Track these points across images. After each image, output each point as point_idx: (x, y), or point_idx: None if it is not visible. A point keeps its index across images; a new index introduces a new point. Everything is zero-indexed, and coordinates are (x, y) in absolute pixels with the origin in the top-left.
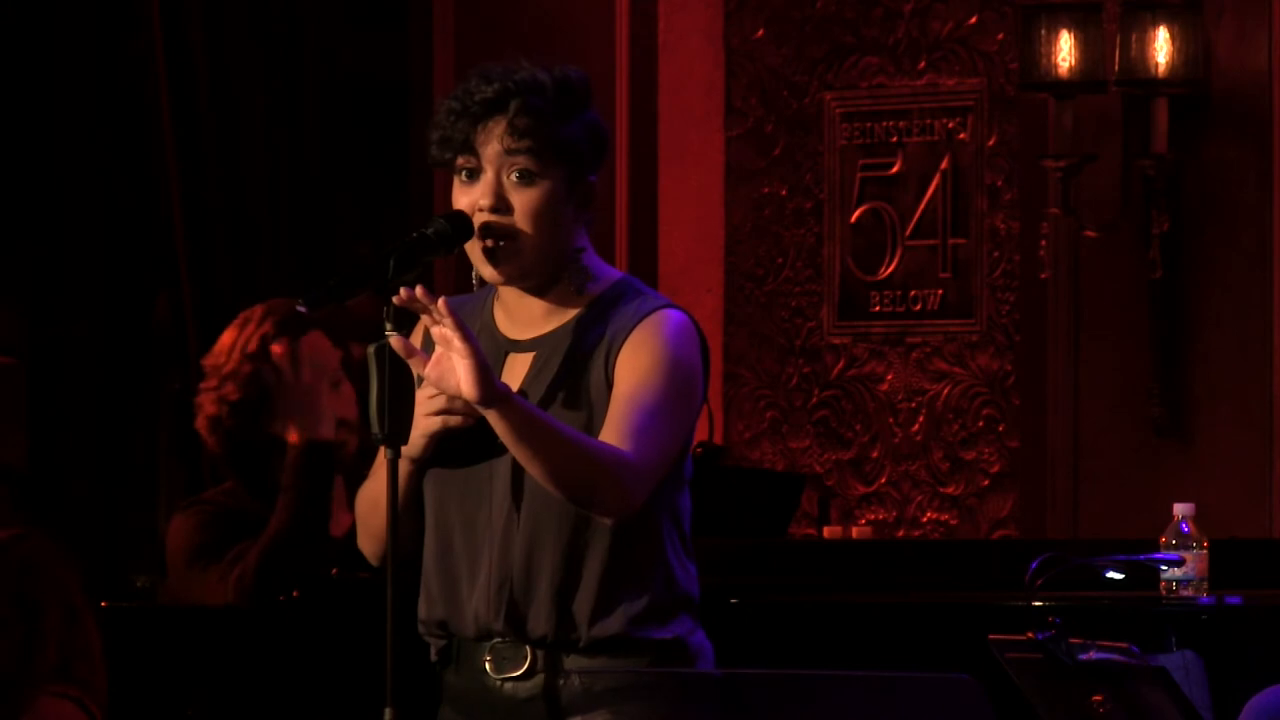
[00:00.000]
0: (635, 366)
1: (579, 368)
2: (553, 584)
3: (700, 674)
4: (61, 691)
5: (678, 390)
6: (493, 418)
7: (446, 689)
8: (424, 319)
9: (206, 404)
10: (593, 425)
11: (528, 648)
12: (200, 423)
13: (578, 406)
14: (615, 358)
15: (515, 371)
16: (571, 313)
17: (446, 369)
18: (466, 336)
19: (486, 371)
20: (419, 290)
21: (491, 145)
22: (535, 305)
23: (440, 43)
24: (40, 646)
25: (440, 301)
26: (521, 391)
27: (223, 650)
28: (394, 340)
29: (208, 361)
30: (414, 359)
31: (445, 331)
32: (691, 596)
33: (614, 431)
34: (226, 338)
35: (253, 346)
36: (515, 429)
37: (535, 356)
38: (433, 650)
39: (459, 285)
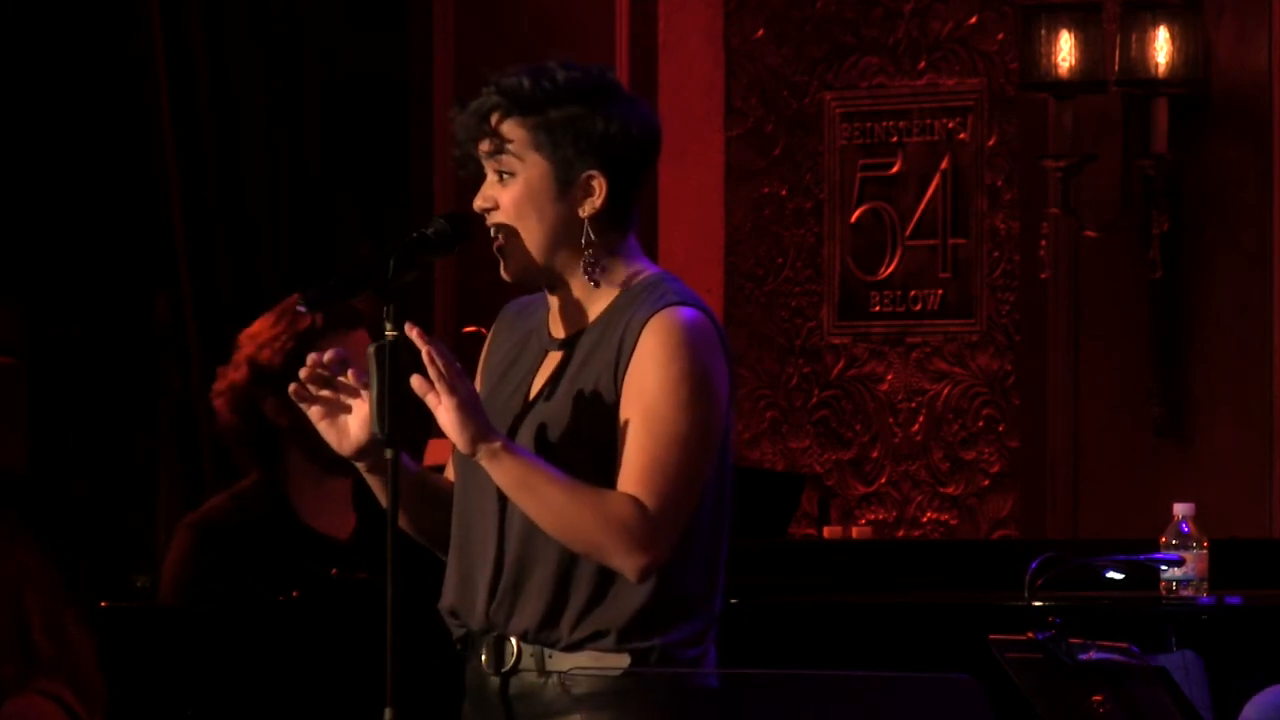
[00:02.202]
0: (644, 389)
1: (592, 370)
2: (539, 581)
3: (695, 680)
4: (42, 688)
5: (694, 405)
6: (486, 467)
7: (465, 679)
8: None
9: (234, 373)
10: (598, 436)
11: (514, 642)
12: (226, 393)
13: (585, 413)
14: (624, 368)
15: (547, 369)
16: (598, 309)
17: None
18: (451, 387)
19: (467, 424)
20: (414, 332)
21: (480, 150)
22: (564, 303)
23: (440, 43)
24: (29, 635)
25: (426, 348)
26: (544, 389)
27: (223, 650)
28: (412, 331)
29: (250, 333)
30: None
31: (432, 376)
32: (698, 608)
33: (630, 477)
34: (271, 318)
35: (303, 325)
36: (507, 485)
37: (562, 355)
38: (454, 637)
39: (459, 285)
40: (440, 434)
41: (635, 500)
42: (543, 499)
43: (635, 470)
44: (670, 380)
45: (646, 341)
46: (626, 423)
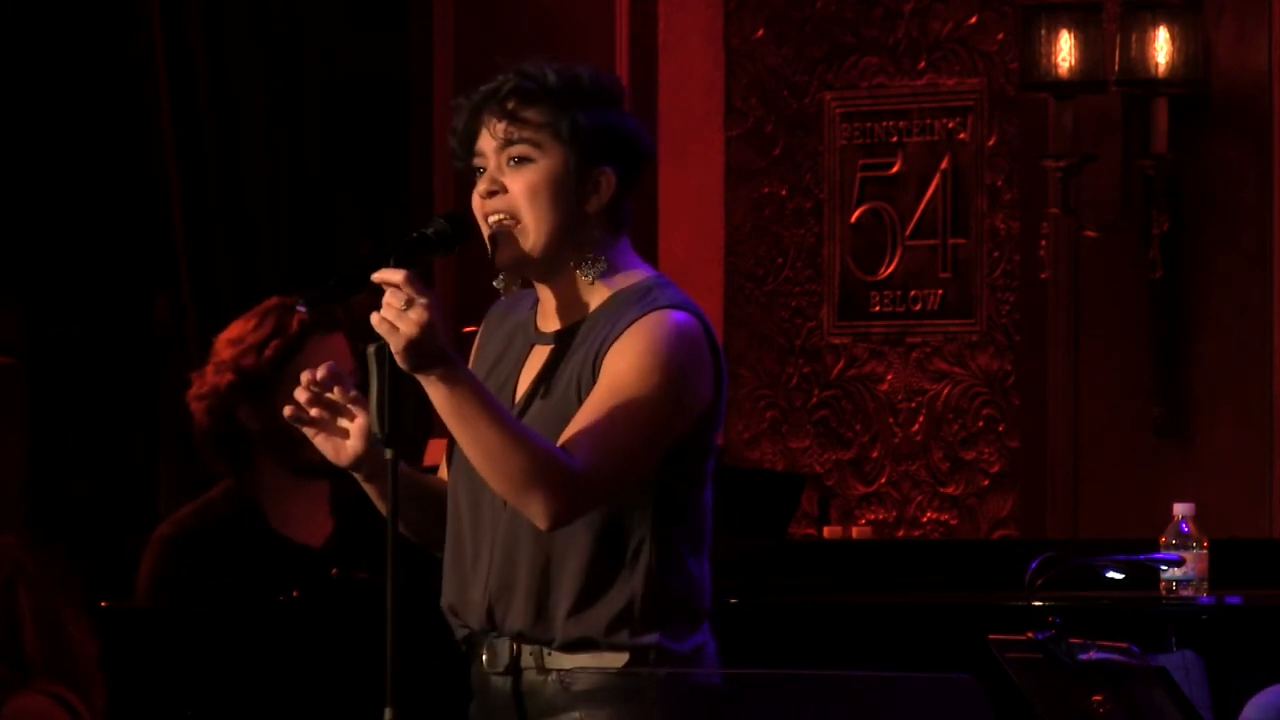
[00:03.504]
0: (615, 369)
1: (577, 365)
2: (530, 579)
3: (695, 678)
4: (42, 688)
5: (657, 394)
6: (428, 390)
7: (471, 679)
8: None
9: (217, 378)
10: None
11: (510, 642)
12: (208, 398)
13: (570, 405)
14: (603, 358)
15: (534, 364)
16: (589, 307)
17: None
18: (421, 299)
19: (416, 341)
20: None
21: (491, 138)
22: (558, 298)
23: (440, 43)
24: (20, 635)
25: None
26: (534, 385)
27: (223, 650)
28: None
29: (229, 338)
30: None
31: (406, 295)
32: (689, 602)
33: (572, 436)
34: (252, 322)
35: (285, 328)
36: (441, 407)
37: (551, 350)
38: (458, 638)
39: (459, 285)
40: (440, 433)
41: (568, 453)
42: (477, 427)
43: (578, 432)
44: (641, 369)
45: (629, 335)
46: (588, 397)
